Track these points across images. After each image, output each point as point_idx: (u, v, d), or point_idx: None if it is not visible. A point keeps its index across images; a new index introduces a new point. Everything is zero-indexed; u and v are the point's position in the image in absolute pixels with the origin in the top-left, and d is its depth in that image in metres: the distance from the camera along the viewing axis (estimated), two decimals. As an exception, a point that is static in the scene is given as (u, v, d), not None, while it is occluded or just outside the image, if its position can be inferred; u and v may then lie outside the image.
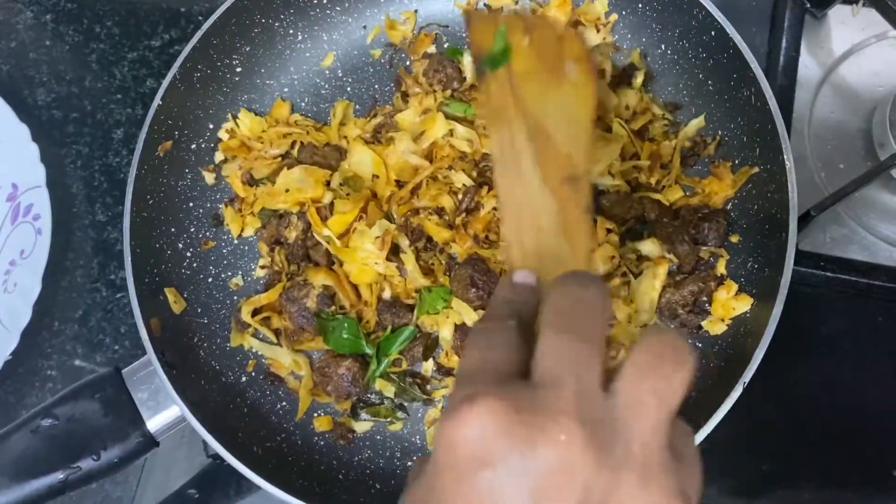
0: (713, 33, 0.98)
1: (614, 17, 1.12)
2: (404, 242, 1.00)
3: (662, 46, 1.09)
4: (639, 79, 1.07)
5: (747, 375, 0.84)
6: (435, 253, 1.01)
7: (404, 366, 0.99)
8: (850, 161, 1.16)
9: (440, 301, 0.97)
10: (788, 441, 1.04)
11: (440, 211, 1.01)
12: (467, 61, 1.10)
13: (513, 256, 0.71)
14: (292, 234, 1.04)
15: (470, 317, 0.95)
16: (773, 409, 1.03)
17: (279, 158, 1.09)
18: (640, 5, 1.08)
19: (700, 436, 0.83)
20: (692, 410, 0.89)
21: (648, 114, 1.06)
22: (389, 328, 0.98)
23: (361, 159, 1.04)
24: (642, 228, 1.02)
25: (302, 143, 1.09)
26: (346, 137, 1.09)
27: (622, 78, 1.08)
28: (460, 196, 1.00)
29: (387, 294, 1.00)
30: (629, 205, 0.99)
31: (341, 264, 1.00)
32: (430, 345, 0.99)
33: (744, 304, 0.94)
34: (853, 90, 1.20)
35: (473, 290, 0.95)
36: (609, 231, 0.97)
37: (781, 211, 0.91)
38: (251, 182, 1.09)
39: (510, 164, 0.76)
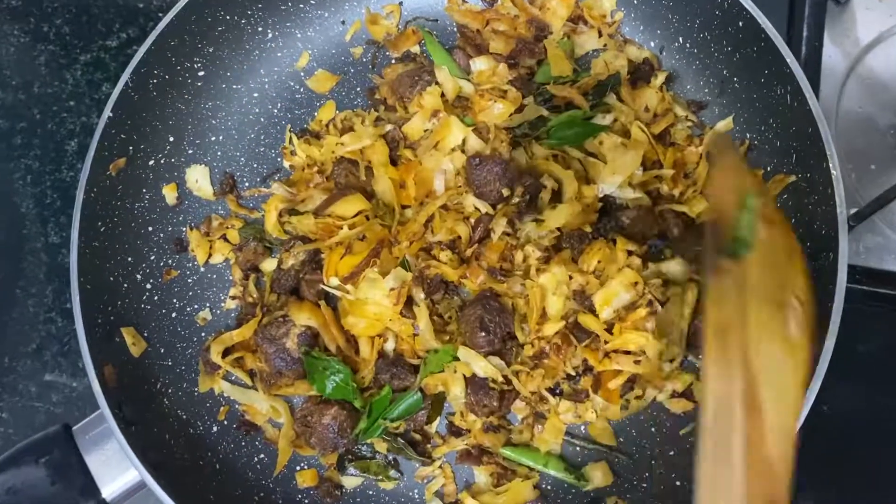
0: (741, 24, 0.88)
1: (620, 14, 1.01)
2: (419, 295, 0.88)
3: (680, 40, 0.98)
4: (659, 78, 0.96)
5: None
6: (450, 299, 0.90)
7: (402, 427, 0.88)
8: (883, 161, 1.07)
9: (447, 358, 0.86)
10: (823, 472, 0.93)
11: (452, 244, 0.90)
12: (443, 74, 0.99)
13: None
14: (289, 262, 0.93)
15: (479, 365, 0.84)
16: (805, 437, 0.93)
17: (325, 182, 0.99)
18: (654, -7, 0.97)
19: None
20: None
21: (670, 115, 0.95)
22: (388, 389, 0.87)
23: (385, 188, 0.94)
24: (664, 245, 0.91)
25: (342, 157, 0.98)
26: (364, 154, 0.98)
27: (639, 75, 0.97)
28: (472, 222, 0.90)
29: (389, 346, 0.88)
30: (651, 220, 0.88)
31: (331, 306, 0.89)
32: (436, 405, 0.88)
33: None
34: (882, 82, 1.11)
35: (483, 334, 0.84)
36: (630, 253, 0.86)
37: (827, 226, 0.80)
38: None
39: (721, 441, 0.56)
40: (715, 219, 0.63)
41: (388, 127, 0.98)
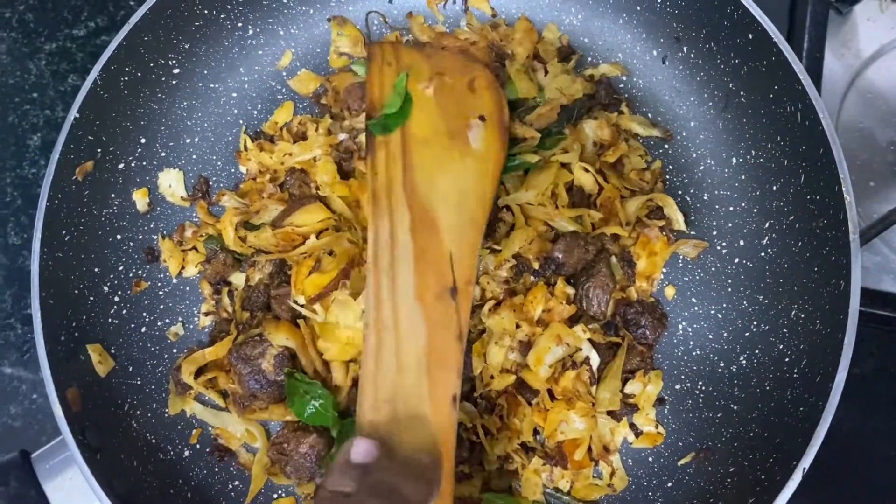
0: (751, 36, 0.84)
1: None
2: None
3: (685, 49, 0.94)
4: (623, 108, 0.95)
5: (806, 460, 0.70)
6: None
7: None
8: (882, 178, 1.05)
9: None
10: (817, 494, 0.89)
11: None
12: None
13: (362, 411, 0.70)
14: (255, 277, 0.87)
15: None
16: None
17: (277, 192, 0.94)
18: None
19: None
20: (729, 491, 0.77)
21: (622, 146, 0.93)
22: None
23: (339, 207, 0.90)
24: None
25: (293, 167, 0.93)
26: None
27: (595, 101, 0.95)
28: None
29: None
30: (582, 246, 0.86)
31: (306, 320, 0.83)
32: None
33: None
34: (883, 97, 1.09)
35: None
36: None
37: (837, 252, 0.77)
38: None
39: (384, 270, 0.74)
40: (369, 109, 0.82)
41: (342, 136, 0.93)
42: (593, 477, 0.84)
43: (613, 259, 0.87)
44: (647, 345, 0.87)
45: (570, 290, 0.85)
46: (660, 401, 0.87)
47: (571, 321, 0.85)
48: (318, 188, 0.91)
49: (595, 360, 0.83)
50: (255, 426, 0.85)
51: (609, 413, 0.83)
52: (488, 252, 0.85)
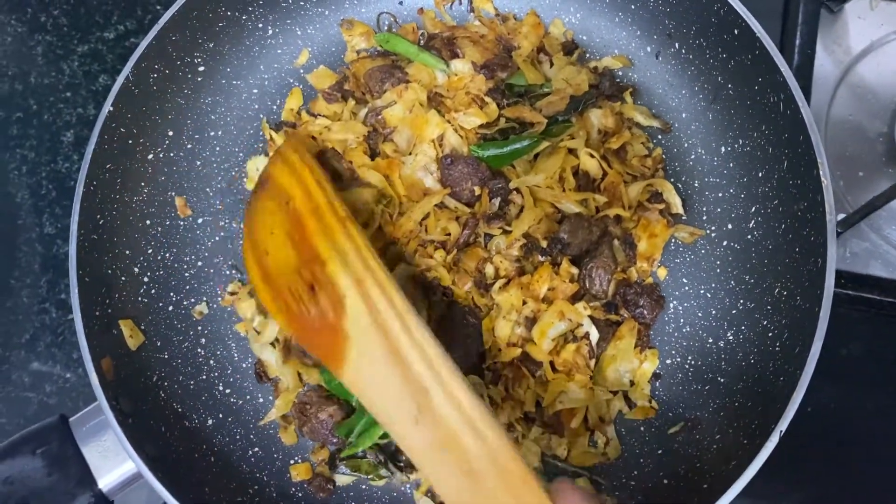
0: (736, 32, 0.88)
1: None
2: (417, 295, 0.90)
3: (676, 45, 0.99)
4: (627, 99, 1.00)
5: (784, 423, 0.75)
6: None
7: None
8: (871, 168, 1.09)
9: None
10: (806, 471, 0.96)
11: (444, 244, 0.91)
12: (415, 70, 0.99)
13: None
14: None
15: None
16: (789, 437, 0.95)
17: None
18: (652, -1, 0.98)
19: (732, 492, 0.74)
20: (714, 457, 0.81)
21: (625, 134, 0.97)
22: None
23: (378, 181, 0.94)
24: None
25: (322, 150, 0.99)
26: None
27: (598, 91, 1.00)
28: (462, 221, 0.91)
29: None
30: (586, 226, 0.91)
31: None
32: None
33: None
34: (872, 91, 1.12)
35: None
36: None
37: (816, 232, 0.81)
38: None
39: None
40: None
41: (370, 119, 0.98)
42: (589, 446, 0.89)
43: (616, 242, 0.92)
44: (644, 324, 0.92)
45: (574, 270, 0.90)
46: (655, 376, 0.92)
47: (574, 299, 0.90)
48: (351, 163, 0.96)
49: (594, 335, 0.88)
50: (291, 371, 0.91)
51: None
52: (501, 232, 0.90)
